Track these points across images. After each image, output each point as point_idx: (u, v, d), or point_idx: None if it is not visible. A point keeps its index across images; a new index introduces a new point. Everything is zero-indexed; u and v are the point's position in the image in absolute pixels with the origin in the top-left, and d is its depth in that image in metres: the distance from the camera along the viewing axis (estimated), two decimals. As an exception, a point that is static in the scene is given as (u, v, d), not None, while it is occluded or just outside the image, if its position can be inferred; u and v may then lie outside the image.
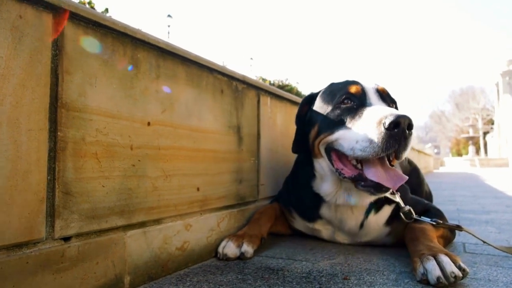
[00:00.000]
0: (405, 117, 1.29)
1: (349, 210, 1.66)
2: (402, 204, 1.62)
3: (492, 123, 41.57)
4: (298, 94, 4.57)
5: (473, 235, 1.59)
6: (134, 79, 1.23)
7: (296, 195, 1.84)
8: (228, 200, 1.72)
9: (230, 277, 1.31)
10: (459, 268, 1.18)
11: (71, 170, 1.02)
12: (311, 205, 1.75)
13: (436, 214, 1.72)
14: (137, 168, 1.23)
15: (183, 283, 1.26)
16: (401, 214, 1.61)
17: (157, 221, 1.32)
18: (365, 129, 1.36)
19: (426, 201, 1.83)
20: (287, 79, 4.44)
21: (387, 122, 1.28)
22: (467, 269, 1.19)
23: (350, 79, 1.62)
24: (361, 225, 1.68)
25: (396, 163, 1.61)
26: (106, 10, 2.19)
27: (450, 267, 1.17)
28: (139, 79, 1.24)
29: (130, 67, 1.20)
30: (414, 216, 1.58)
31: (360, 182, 1.44)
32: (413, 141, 1.38)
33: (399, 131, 1.29)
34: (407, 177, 1.44)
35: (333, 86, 1.67)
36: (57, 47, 0.99)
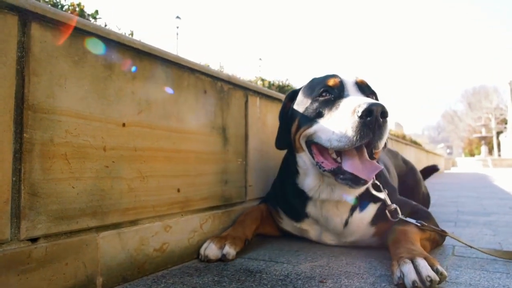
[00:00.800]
0: (378, 104, 1.28)
1: (334, 207, 1.64)
2: (388, 202, 1.59)
3: (506, 123, 40.81)
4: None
5: (457, 239, 1.56)
6: (108, 80, 1.22)
7: (282, 193, 1.83)
8: (212, 201, 1.71)
9: (207, 279, 1.30)
10: (436, 271, 1.15)
11: (38, 172, 1.02)
12: (297, 203, 1.73)
13: (424, 216, 1.68)
14: (111, 169, 1.22)
15: (157, 284, 1.25)
16: (387, 212, 1.58)
17: (134, 222, 1.32)
18: (340, 119, 1.37)
19: (414, 203, 1.79)
20: (287, 80, 4.41)
21: (360, 110, 1.29)
22: (445, 273, 1.17)
23: (331, 73, 1.61)
24: (346, 223, 1.66)
25: (378, 156, 1.61)
26: (96, 12, 2.20)
27: (426, 271, 1.14)
28: (113, 80, 1.24)
29: (103, 69, 1.20)
30: (400, 215, 1.55)
31: (339, 175, 1.44)
32: (388, 130, 1.37)
33: (372, 119, 1.28)
34: (381, 167, 1.43)
35: (313, 80, 1.67)
36: (23, 49, 0.99)
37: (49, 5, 1.16)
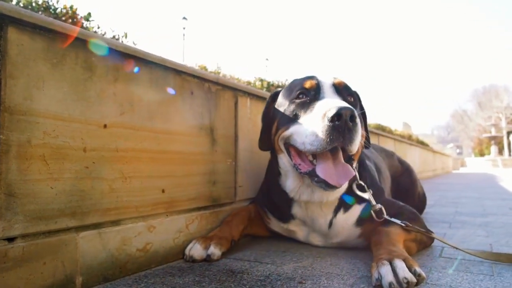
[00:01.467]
0: (346, 108, 1.29)
1: (318, 208, 1.64)
2: (373, 202, 1.59)
3: (516, 122, 40.22)
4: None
5: (442, 241, 1.55)
6: (88, 82, 1.24)
7: (268, 195, 1.83)
8: (199, 202, 1.72)
9: (188, 279, 1.31)
10: (414, 273, 1.15)
11: (15, 172, 1.04)
12: (283, 204, 1.73)
13: (410, 217, 1.67)
14: (91, 170, 1.24)
15: (138, 284, 1.26)
16: (372, 212, 1.57)
17: (115, 223, 1.33)
18: (313, 123, 1.38)
19: (401, 204, 1.78)
20: (287, 80, 4.40)
21: (329, 115, 1.30)
22: (423, 275, 1.16)
23: (310, 74, 1.61)
24: (330, 224, 1.65)
25: (357, 157, 1.61)
26: (89, 14, 2.23)
27: (403, 273, 1.13)
28: (94, 82, 1.26)
29: (83, 71, 1.22)
30: (385, 215, 1.55)
31: (314, 177, 1.44)
32: (359, 133, 1.37)
33: (341, 123, 1.29)
34: (354, 173, 1.44)
35: (293, 82, 1.68)
36: (0, 52, 1.01)
37: (31, 10, 1.18)
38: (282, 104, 1.62)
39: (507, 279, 1.29)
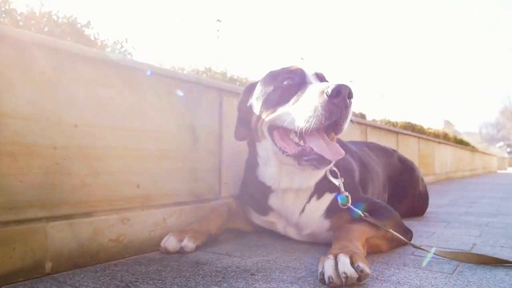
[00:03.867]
0: (346, 86, 1.35)
1: (294, 195, 1.69)
2: (342, 189, 1.61)
3: None
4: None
5: (399, 237, 1.54)
6: (60, 86, 1.36)
7: (247, 189, 1.88)
8: (178, 197, 1.81)
9: (151, 268, 1.40)
10: (357, 268, 1.16)
11: (-15, 167, 1.17)
12: (260, 196, 1.78)
13: (384, 214, 1.66)
14: (61, 166, 1.36)
15: (104, 271, 1.37)
16: (337, 198, 1.60)
17: (87, 214, 1.44)
18: (308, 100, 1.42)
19: (378, 201, 1.77)
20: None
21: (330, 90, 1.34)
22: (366, 271, 1.17)
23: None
24: (303, 210, 1.69)
25: (335, 139, 1.64)
26: (89, 23, 2.39)
27: (343, 267, 1.15)
28: (65, 85, 1.38)
29: (52, 75, 1.34)
30: (349, 205, 1.57)
31: (303, 157, 1.48)
32: (351, 112, 1.43)
33: (340, 98, 1.34)
34: (344, 153, 1.47)
35: (272, 72, 1.70)
36: (-30, 61, 1.15)
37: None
38: (264, 92, 1.65)
39: (463, 278, 1.27)
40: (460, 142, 12.17)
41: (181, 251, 1.62)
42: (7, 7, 1.97)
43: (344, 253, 1.23)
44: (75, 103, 1.41)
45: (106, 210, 1.51)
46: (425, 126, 10.13)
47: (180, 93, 1.84)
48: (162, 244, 1.65)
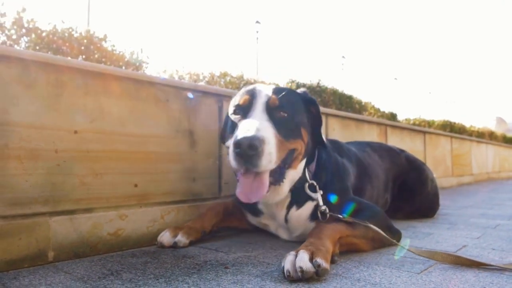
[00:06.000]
0: (244, 139, 1.36)
1: (274, 205, 1.77)
2: (320, 203, 1.67)
3: None
4: (334, 93, 4.54)
5: (380, 232, 1.57)
6: (60, 97, 1.55)
7: None
8: (176, 196, 1.96)
9: (141, 260, 1.56)
10: (314, 264, 1.24)
11: (-6, 169, 1.38)
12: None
13: (369, 215, 1.70)
14: (62, 168, 1.55)
15: (100, 261, 1.54)
16: (318, 213, 1.66)
17: (87, 210, 1.63)
18: (231, 145, 1.45)
19: (365, 202, 1.81)
20: (319, 80, 4.44)
21: (232, 143, 1.41)
22: (324, 266, 1.24)
23: (258, 85, 1.71)
24: (286, 220, 1.77)
25: (299, 154, 1.63)
26: (105, 36, 2.61)
27: (299, 262, 1.23)
28: (64, 96, 1.56)
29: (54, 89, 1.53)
30: (328, 213, 1.63)
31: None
32: (266, 156, 1.40)
33: (241, 151, 1.37)
34: (264, 192, 1.47)
35: (239, 92, 1.76)
36: (-19, 79, 1.36)
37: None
38: (228, 112, 1.72)
39: (427, 278, 1.29)
40: (509, 141, 11.45)
41: (175, 246, 1.76)
42: (31, 25, 2.23)
43: (305, 249, 1.30)
44: (74, 112, 1.59)
45: (104, 207, 1.68)
46: (469, 124, 9.67)
47: (190, 95, 1.99)
48: (158, 238, 1.80)
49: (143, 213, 1.82)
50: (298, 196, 1.73)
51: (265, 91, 1.62)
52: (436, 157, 5.39)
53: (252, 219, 2.03)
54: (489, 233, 2.10)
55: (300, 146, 1.61)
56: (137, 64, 2.77)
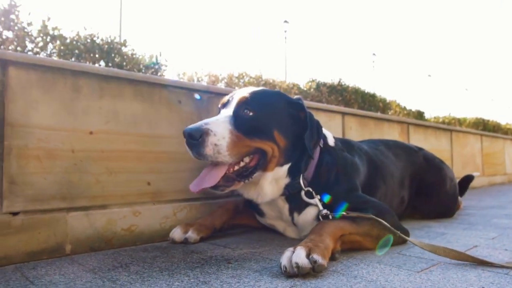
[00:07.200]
0: (186, 129, 1.51)
1: (276, 209, 1.83)
2: (320, 207, 1.69)
3: None
4: (356, 92, 4.50)
5: (384, 224, 1.58)
6: (76, 100, 1.66)
7: None
8: (188, 194, 2.03)
9: (151, 254, 1.63)
10: (311, 260, 1.26)
11: (16, 168, 1.49)
12: (254, 203, 1.92)
13: (374, 212, 1.69)
14: (79, 166, 1.65)
15: (112, 254, 1.63)
16: (320, 217, 1.68)
17: (102, 207, 1.73)
18: None
19: (372, 200, 1.80)
20: (340, 79, 4.41)
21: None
22: (320, 262, 1.26)
23: (246, 88, 1.78)
24: (294, 223, 1.80)
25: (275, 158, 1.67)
26: (125, 41, 2.73)
27: (295, 258, 1.26)
28: (80, 100, 1.67)
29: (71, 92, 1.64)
30: (330, 216, 1.65)
31: None
32: (209, 145, 1.52)
33: (186, 140, 1.53)
34: (212, 183, 1.58)
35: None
36: (3, 85, 1.48)
37: (29, 53, 1.65)
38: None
39: (425, 276, 1.29)
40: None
41: (185, 242, 1.83)
42: (56, 33, 2.38)
43: (303, 245, 1.33)
44: (90, 114, 1.69)
45: (118, 204, 1.78)
46: (505, 122, 9.25)
47: (197, 96, 2.07)
48: (170, 234, 1.87)
49: (156, 210, 1.91)
50: (295, 202, 1.77)
51: (243, 93, 1.69)
52: (464, 156, 5.21)
53: (260, 219, 2.07)
54: (507, 233, 2.04)
55: (269, 148, 1.63)
56: (156, 67, 2.88)
